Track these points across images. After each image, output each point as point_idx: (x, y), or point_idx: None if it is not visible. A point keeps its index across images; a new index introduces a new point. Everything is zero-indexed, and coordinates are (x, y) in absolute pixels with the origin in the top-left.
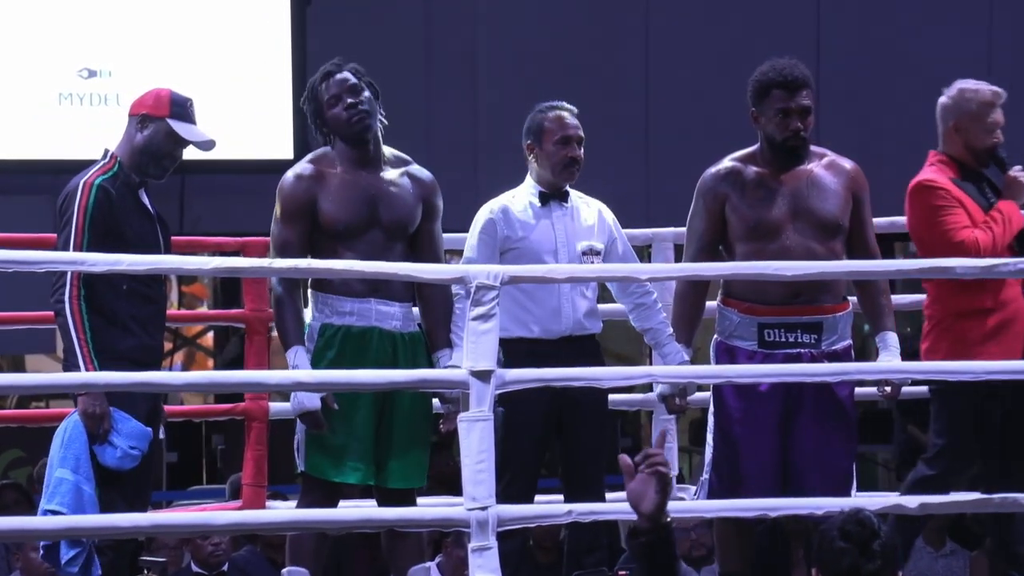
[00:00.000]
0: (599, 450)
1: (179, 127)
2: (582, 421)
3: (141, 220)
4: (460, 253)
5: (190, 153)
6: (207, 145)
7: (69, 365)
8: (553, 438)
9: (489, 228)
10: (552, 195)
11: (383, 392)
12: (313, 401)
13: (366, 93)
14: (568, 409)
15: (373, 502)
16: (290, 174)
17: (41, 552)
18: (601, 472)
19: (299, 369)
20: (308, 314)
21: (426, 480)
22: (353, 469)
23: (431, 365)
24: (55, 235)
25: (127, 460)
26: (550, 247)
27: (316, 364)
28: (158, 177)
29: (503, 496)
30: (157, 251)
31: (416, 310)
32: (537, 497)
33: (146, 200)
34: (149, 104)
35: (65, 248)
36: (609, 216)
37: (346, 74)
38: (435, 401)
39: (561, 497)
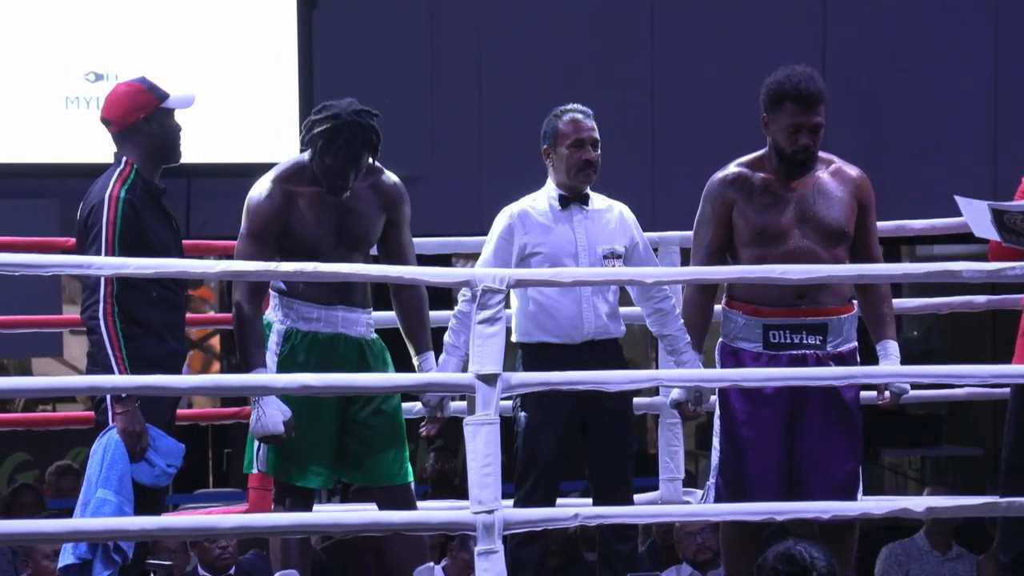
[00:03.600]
0: (626, 454)
1: (173, 103)
2: (608, 426)
3: (165, 226)
4: (467, 257)
5: (196, 156)
6: (192, 100)
7: (99, 372)
8: (576, 442)
9: (507, 234)
10: (572, 199)
11: (346, 396)
12: (278, 426)
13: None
14: (593, 413)
15: (374, 505)
16: (259, 194)
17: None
18: (629, 476)
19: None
20: (269, 315)
21: (412, 476)
22: (316, 474)
23: (399, 369)
24: (63, 239)
25: (163, 478)
26: (571, 251)
27: (286, 369)
28: (178, 159)
29: (525, 500)
30: (179, 256)
31: (375, 317)
32: None
33: (166, 206)
34: (139, 104)
35: None
36: (630, 217)
37: (369, 155)
38: (415, 405)
39: (567, 500)
